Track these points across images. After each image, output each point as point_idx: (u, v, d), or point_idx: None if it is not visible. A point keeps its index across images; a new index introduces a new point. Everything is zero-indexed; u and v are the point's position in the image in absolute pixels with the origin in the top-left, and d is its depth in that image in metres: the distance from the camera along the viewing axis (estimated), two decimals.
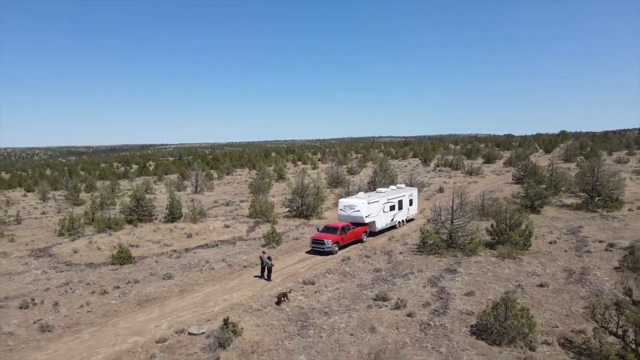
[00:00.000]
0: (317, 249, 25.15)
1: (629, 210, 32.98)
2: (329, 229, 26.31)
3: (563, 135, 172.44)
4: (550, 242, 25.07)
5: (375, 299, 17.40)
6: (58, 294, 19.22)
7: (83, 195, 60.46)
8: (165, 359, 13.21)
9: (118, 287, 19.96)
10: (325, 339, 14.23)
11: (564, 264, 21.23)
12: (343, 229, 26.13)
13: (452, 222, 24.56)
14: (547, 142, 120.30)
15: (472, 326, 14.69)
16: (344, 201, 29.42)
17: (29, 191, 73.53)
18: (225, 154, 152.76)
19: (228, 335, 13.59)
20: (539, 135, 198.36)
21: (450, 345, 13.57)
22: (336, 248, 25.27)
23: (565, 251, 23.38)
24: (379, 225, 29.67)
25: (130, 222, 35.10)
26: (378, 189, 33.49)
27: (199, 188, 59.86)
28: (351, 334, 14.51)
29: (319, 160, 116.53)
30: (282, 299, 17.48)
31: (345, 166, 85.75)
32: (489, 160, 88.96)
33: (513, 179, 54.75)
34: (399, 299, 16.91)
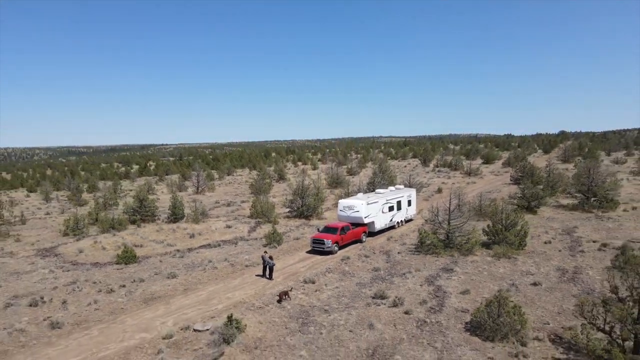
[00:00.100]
0: (318, 248, 25.72)
1: (624, 210, 33.54)
2: (328, 229, 26.87)
3: (562, 136, 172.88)
4: (546, 242, 25.63)
5: (373, 297, 17.97)
6: (66, 293, 19.80)
7: (85, 195, 61.03)
8: (172, 354, 13.78)
9: (124, 286, 20.54)
10: (325, 335, 14.80)
11: (557, 263, 21.79)
12: (343, 229, 26.69)
13: (449, 223, 25.14)
14: (547, 143, 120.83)
15: (466, 323, 15.27)
16: (343, 202, 29.99)
17: (31, 191, 74.13)
18: (225, 154, 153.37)
19: (232, 332, 14.17)
20: (538, 135, 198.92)
21: (445, 341, 14.15)
22: (336, 248, 25.84)
23: (560, 251, 23.95)
24: (378, 226, 30.23)
25: (133, 222, 35.67)
26: (377, 190, 34.09)
27: (200, 188, 60.42)
28: (350, 331, 15.09)
29: (319, 161, 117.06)
30: (284, 297, 18.06)
31: (345, 167, 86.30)
32: (487, 160, 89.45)
33: (511, 180, 55.29)
34: (396, 297, 17.49)
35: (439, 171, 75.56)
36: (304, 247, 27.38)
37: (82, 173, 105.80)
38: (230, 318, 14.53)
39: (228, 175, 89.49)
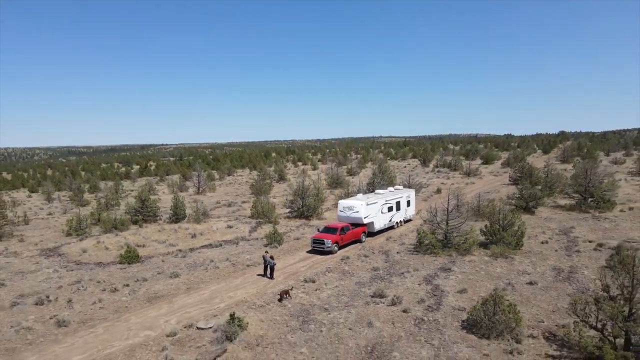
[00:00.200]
0: (318, 248, 26.10)
1: (621, 211, 33.91)
2: (328, 230, 27.25)
3: (562, 136, 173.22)
4: (542, 242, 26.00)
5: (372, 296, 18.34)
6: (71, 292, 20.17)
7: (87, 196, 61.42)
8: (176, 351, 14.15)
9: (127, 285, 20.91)
10: (325, 333, 15.18)
11: (553, 263, 22.17)
12: (342, 229, 27.07)
13: (447, 223, 25.51)
14: (546, 143, 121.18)
15: (463, 321, 15.64)
16: (343, 202, 30.36)
17: (33, 192, 74.51)
18: (225, 154, 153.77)
19: (234, 329, 14.54)
20: (538, 135, 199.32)
21: (442, 338, 14.52)
22: (336, 248, 26.21)
23: (556, 251, 24.32)
24: (377, 226, 30.60)
25: (135, 222, 36.06)
26: (376, 191, 34.47)
27: (201, 189, 60.80)
28: (349, 329, 15.46)
29: (319, 161, 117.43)
30: (284, 296, 18.43)
31: (345, 167, 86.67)
32: (487, 161, 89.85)
33: (510, 180, 55.65)
34: (395, 296, 17.87)
35: (438, 171, 75.95)
36: (304, 247, 27.75)
37: (83, 173, 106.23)
38: (232, 316, 14.90)
39: (228, 175, 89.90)
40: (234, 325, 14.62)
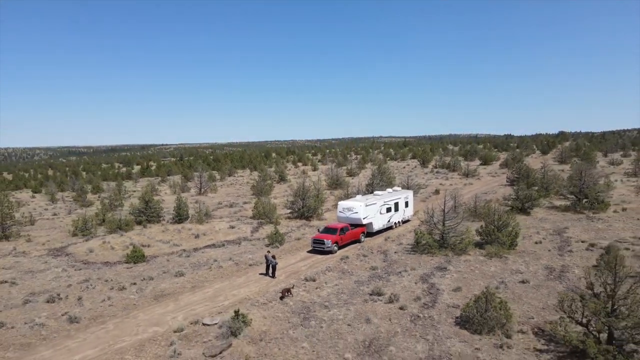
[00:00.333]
0: (318, 248, 26.85)
1: (614, 211, 34.65)
2: (328, 230, 28.00)
3: (561, 136, 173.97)
4: (536, 242, 26.74)
5: (370, 294, 19.10)
6: (80, 290, 20.94)
7: (90, 196, 62.19)
8: (183, 346, 14.91)
9: (134, 284, 21.68)
10: (325, 329, 15.94)
11: (546, 262, 22.92)
12: (342, 229, 27.81)
13: (444, 224, 26.26)
14: (545, 143, 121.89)
15: (457, 317, 16.40)
16: (342, 203, 31.11)
17: (36, 192, 75.29)
18: (226, 155, 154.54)
19: (239, 325, 15.31)
20: (538, 135, 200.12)
21: (437, 334, 15.28)
22: (335, 248, 26.96)
23: (549, 250, 25.07)
24: (376, 227, 31.34)
25: (139, 223, 36.82)
26: (375, 192, 35.21)
27: (202, 190, 61.53)
28: (348, 325, 16.22)
29: (319, 162, 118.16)
30: (286, 294, 19.20)
31: (345, 167, 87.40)
32: (485, 161, 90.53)
33: (507, 181, 56.40)
34: (392, 294, 18.63)
35: (437, 172, 76.70)
36: (305, 247, 28.52)
37: (84, 174, 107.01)
38: (237, 313, 15.66)
39: (229, 176, 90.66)
40: (238, 322, 15.38)
